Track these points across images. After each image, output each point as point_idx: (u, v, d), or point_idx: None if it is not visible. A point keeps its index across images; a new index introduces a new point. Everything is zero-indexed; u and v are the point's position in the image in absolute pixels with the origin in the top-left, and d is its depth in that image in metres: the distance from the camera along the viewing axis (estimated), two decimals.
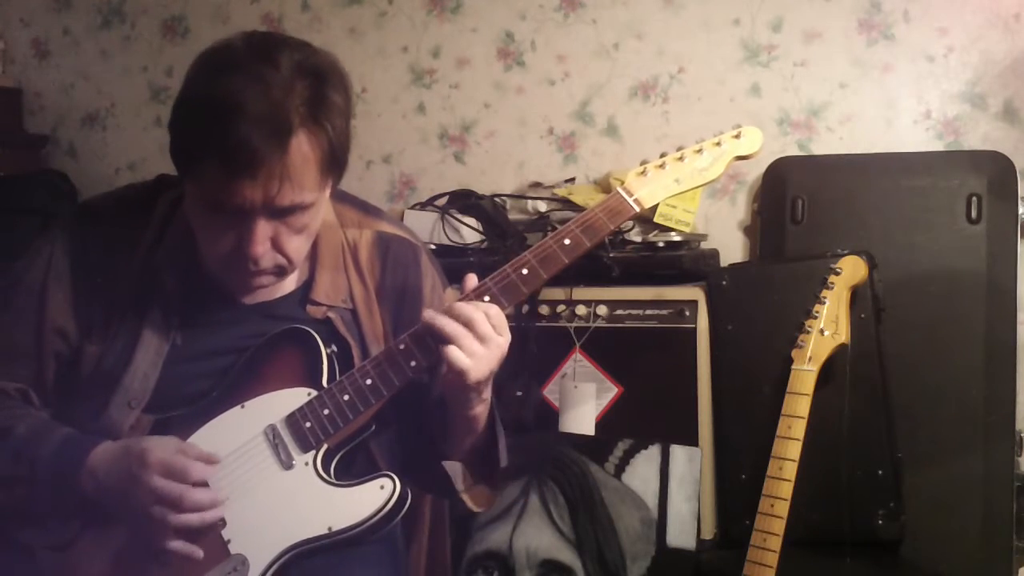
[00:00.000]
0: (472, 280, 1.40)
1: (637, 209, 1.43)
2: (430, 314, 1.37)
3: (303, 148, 1.30)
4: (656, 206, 2.17)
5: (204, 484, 1.34)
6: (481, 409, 1.44)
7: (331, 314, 1.49)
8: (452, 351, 1.34)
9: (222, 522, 1.37)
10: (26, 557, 1.39)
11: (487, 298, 1.39)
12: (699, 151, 1.47)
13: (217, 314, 1.48)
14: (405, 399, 1.48)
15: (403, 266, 1.56)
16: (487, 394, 1.43)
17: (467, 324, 1.35)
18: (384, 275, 1.54)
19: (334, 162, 1.36)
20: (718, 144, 1.47)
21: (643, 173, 1.45)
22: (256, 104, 1.26)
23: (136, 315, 1.44)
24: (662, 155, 1.46)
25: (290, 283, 1.50)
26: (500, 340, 1.37)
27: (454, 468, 1.49)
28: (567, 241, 1.41)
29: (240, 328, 1.47)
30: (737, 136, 1.47)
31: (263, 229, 1.33)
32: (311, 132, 1.30)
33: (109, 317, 1.44)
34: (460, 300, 1.38)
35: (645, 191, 1.44)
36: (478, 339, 1.35)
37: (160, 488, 1.30)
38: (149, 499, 1.31)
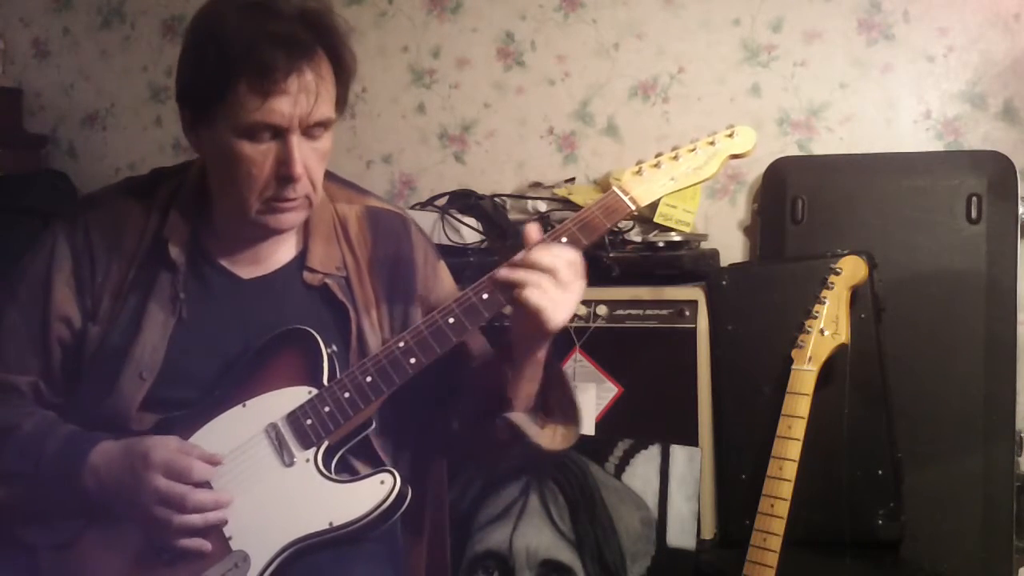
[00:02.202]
0: (534, 229, 1.42)
1: (633, 207, 1.45)
2: (505, 271, 1.39)
3: (323, 65, 1.39)
4: (655, 205, 2.20)
5: (207, 485, 1.35)
6: (544, 352, 1.46)
7: (328, 280, 1.53)
8: (532, 297, 1.35)
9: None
10: (28, 555, 1.40)
11: (485, 295, 1.40)
12: (693, 150, 1.50)
13: (218, 290, 1.51)
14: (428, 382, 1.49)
15: (394, 238, 1.59)
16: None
17: (550, 271, 1.37)
18: (375, 247, 1.57)
19: (343, 88, 1.44)
20: (712, 143, 1.50)
21: (638, 172, 1.48)
22: (277, 26, 1.35)
23: (141, 292, 1.48)
24: (657, 155, 1.50)
25: (287, 254, 1.54)
26: (580, 284, 1.41)
27: (519, 418, 1.48)
28: (564, 239, 1.43)
29: (241, 302, 1.51)
30: (731, 135, 1.50)
31: (300, 148, 1.39)
32: (326, 52, 1.39)
33: (112, 297, 1.48)
34: (533, 248, 1.39)
35: (641, 189, 1.47)
36: (560, 286, 1.37)
37: (163, 489, 1.32)
38: (152, 499, 1.33)
